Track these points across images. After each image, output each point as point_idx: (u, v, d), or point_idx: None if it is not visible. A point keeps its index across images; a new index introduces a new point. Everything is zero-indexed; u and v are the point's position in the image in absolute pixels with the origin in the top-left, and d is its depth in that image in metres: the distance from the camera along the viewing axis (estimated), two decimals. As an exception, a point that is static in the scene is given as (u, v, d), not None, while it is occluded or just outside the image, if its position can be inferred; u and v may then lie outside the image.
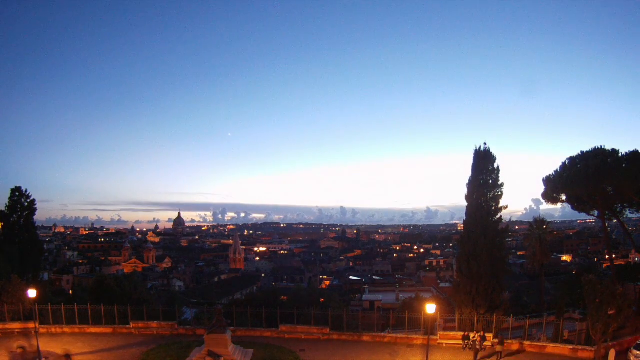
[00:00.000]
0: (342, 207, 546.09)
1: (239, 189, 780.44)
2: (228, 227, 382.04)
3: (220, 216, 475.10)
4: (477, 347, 23.62)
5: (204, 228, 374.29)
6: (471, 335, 24.90)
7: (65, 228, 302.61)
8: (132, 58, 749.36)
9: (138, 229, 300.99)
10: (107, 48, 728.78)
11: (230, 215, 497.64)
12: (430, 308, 21.93)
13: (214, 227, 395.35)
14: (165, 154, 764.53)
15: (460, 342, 25.20)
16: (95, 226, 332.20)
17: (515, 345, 25.03)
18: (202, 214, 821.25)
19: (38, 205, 37.69)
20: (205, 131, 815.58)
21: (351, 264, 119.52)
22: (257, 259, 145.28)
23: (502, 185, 27.97)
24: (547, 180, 40.00)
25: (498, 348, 23.20)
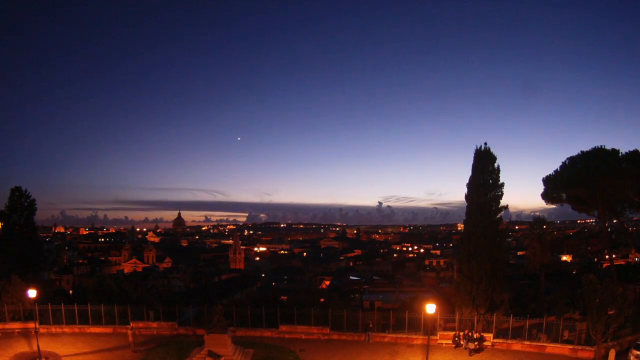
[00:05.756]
0: (379, 206, 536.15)
1: (255, 190, 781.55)
2: (228, 227, 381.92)
3: (256, 214, 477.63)
4: (466, 345, 24.52)
5: (204, 228, 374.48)
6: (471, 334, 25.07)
7: (65, 228, 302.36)
8: (133, 57, 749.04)
9: (138, 229, 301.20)
10: (109, 46, 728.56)
11: (263, 215, 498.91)
12: (430, 308, 21.96)
13: (214, 227, 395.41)
14: (178, 155, 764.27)
15: (461, 342, 25.27)
16: (95, 226, 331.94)
17: (516, 345, 25.11)
18: (234, 214, 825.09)
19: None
20: (214, 134, 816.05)
21: (351, 264, 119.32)
22: (257, 259, 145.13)
23: (502, 185, 27.98)
24: (547, 180, 40.03)
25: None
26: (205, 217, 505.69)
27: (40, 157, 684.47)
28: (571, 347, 23.97)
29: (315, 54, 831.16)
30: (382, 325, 28.07)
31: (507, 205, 28.47)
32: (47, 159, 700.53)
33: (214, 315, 23.67)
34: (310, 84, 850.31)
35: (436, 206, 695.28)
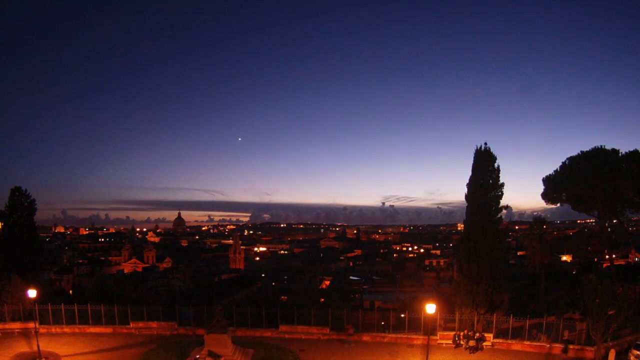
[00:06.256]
0: (382, 206, 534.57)
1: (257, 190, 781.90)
2: (228, 227, 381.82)
3: (259, 213, 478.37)
4: (467, 345, 24.64)
5: (204, 228, 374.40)
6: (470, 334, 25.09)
7: (65, 228, 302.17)
8: (132, 57, 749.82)
9: (138, 229, 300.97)
10: (108, 47, 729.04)
11: (266, 215, 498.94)
12: (430, 308, 21.94)
13: (214, 227, 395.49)
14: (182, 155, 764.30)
15: (461, 342, 25.29)
16: (95, 226, 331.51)
17: (516, 345, 25.10)
18: (238, 214, 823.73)
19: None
20: (214, 134, 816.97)
21: (351, 264, 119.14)
22: (257, 259, 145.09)
23: (502, 185, 28.01)
24: (547, 180, 40.07)
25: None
26: (209, 216, 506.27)
27: (40, 157, 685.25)
28: (571, 347, 23.96)
29: (316, 54, 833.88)
30: (382, 325, 28.06)
31: (507, 205, 28.64)
32: (47, 159, 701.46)
33: (214, 315, 23.67)
34: (311, 84, 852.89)
35: (439, 206, 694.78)
